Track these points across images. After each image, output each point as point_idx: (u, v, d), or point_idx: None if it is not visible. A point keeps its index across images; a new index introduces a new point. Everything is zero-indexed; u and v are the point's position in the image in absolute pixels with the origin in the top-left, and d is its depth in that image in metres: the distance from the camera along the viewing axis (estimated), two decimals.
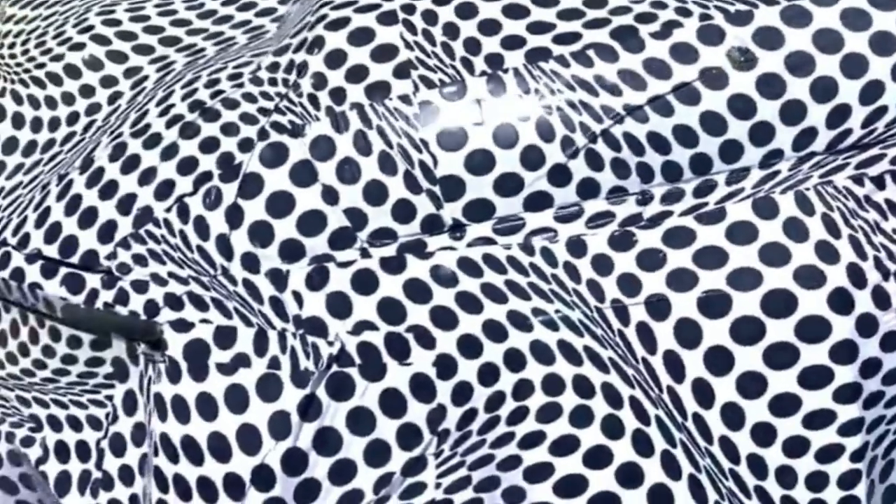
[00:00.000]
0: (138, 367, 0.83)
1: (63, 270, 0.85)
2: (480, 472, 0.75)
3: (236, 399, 0.77)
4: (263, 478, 0.76)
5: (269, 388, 0.76)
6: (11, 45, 1.04)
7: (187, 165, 0.83)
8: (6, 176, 0.95)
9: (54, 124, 0.95)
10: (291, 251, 0.79)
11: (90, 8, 1.01)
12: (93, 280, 0.83)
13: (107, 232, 0.84)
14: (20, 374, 0.91)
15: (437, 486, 0.76)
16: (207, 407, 0.77)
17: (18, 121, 0.96)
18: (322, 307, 0.78)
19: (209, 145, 0.83)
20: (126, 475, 0.83)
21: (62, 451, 0.87)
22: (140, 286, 0.81)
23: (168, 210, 0.82)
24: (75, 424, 0.87)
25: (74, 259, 0.85)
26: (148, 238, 0.82)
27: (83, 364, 0.86)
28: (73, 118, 0.94)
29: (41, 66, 0.98)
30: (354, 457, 0.76)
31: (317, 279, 0.78)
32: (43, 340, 0.89)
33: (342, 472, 0.76)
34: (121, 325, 0.82)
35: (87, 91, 0.95)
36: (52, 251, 0.86)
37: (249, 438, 0.76)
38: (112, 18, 1.00)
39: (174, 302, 0.79)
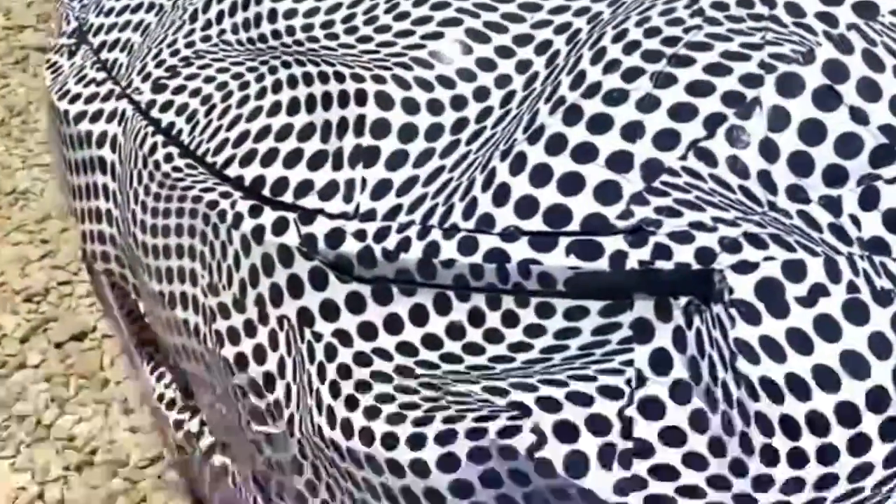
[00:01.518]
0: (669, 323, 0.80)
1: (564, 240, 0.81)
2: None
3: (827, 328, 0.76)
4: (877, 399, 0.75)
5: (856, 312, 0.76)
6: (331, 35, 0.98)
7: (683, 112, 0.82)
8: (413, 163, 0.89)
9: (459, 103, 0.90)
10: (835, 176, 0.79)
11: None
12: (612, 243, 0.80)
13: (607, 193, 0.81)
14: (489, 362, 0.86)
15: None
16: (801, 341, 0.76)
17: (411, 106, 0.90)
18: (880, 226, 0.78)
19: (702, 89, 0.82)
20: (672, 436, 0.80)
21: (566, 431, 0.83)
22: (682, 237, 0.78)
23: (683, 158, 0.80)
24: (583, 400, 0.83)
25: (572, 227, 0.81)
26: (670, 189, 0.80)
27: (589, 334, 0.82)
28: (481, 94, 0.90)
29: (415, 46, 0.92)
30: None
31: (869, 199, 0.79)
32: (526, 320, 0.84)
33: None
34: (661, 280, 0.79)
35: (486, 64, 0.91)
36: (534, 225, 0.82)
37: (855, 364, 0.75)
38: None
39: (731, 245, 0.77)
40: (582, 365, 0.83)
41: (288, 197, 0.93)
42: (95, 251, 1.18)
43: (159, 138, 1.06)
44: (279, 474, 1.00)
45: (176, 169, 1.03)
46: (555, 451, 0.82)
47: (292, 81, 0.98)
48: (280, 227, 0.92)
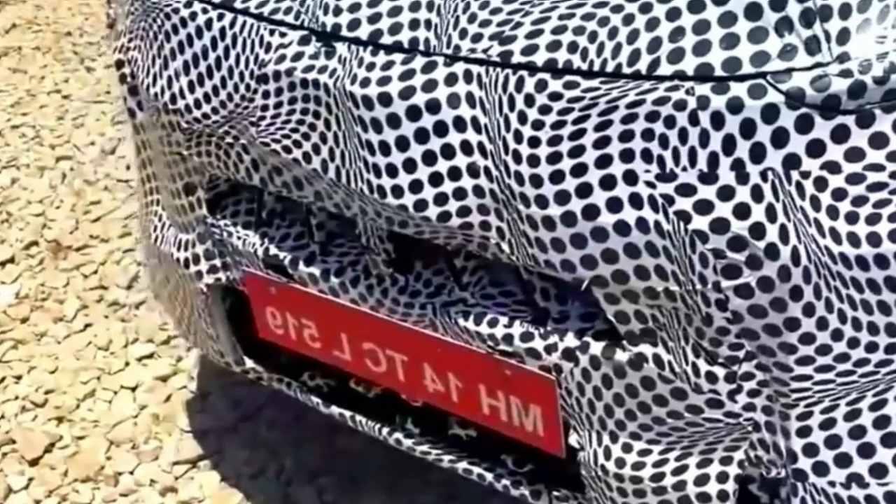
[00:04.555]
0: None
1: None
2: None
3: None
4: None
5: None
6: None
7: None
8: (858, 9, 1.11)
9: None
10: None
11: None
12: None
13: None
14: None
15: None
16: None
17: None
18: None
19: None
20: None
21: None
22: None
23: None
24: None
25: None
26: None
27: None
28: None
29: None
30: None
31: None
32: None
33: None
34: None
35: None
36: None
37: None
38: None
39: None
40: None
41: (747, 69, 1.12)
42: (449, 211, 1.26)
43: (544, 76, 1.19)
44: (747, 320, 1.16)
45: (588, 90, 1.17)
46: None
47: None
48: (757, 92, 1.11)
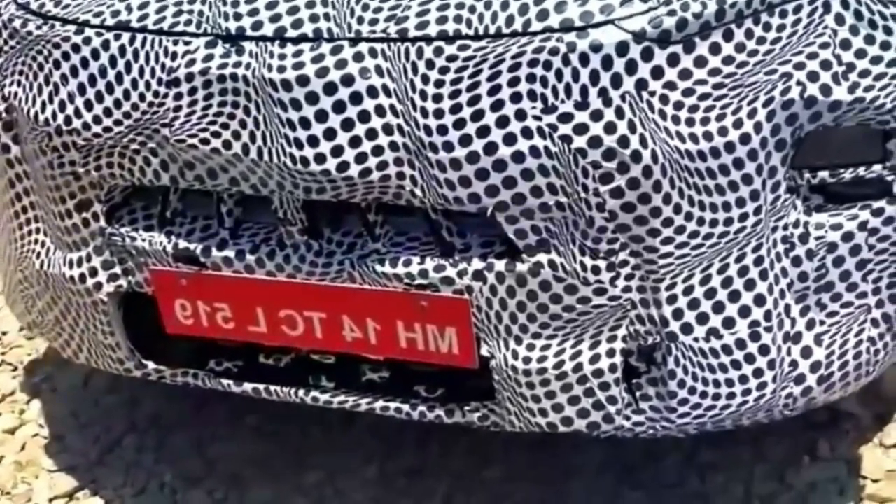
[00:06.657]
0: None
1: None
2: None
3: None
4: None
5: None
6: None
7: None
8: None
9: None
10: None
11: None
12: None
13: None
14: (770, 45, 1.49)
15: None
16: None
17: None
18: None
19: None
20: None
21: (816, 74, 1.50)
22: None
23: None
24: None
25: None
26: None
27: (806, 16, 1.50)
28: None
29: None
30: None
31: None
32: (776, 22, 1.50)
33: None
34: None
35: None
36: None
37: None
38: None
39: None
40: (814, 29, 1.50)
41: (599, 18, 1.46)
42: (369, 167, 1.52)
43: (439, 44, 1.48)
44: (621, 216, 1.49)
45: (478, 49, 1.47)
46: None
47: None
48: (610, 33, 1.45)
